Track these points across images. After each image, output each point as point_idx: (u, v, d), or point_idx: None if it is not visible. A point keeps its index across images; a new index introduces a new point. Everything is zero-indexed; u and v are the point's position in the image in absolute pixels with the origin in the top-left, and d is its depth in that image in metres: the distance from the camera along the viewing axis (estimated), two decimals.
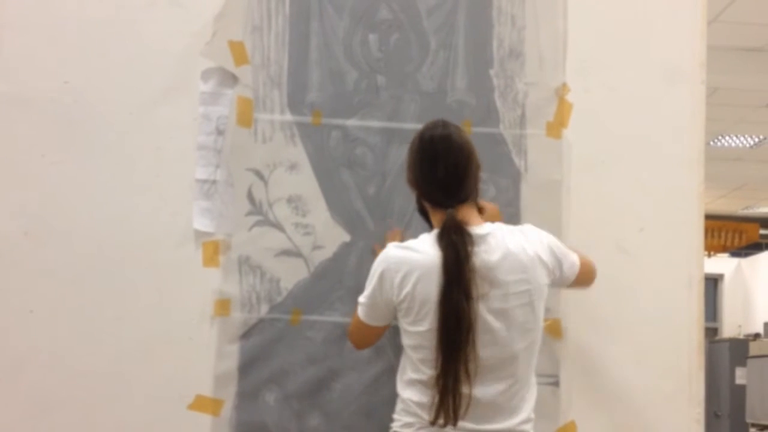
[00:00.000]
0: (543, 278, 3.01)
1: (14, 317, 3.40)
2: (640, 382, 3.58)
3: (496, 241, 2.96)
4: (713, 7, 7.63)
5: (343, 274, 3.48)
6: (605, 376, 3.49)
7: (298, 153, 3.51)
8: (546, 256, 3.02)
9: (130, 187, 3.47)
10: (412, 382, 2.97)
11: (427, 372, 2.91)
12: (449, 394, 2.86)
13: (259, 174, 3.49)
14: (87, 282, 3.42)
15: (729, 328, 19.48)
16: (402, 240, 3.14)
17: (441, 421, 2.88)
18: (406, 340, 3.00)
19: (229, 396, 3.42)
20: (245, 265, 3.46)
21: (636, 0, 3.72)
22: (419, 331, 2.92)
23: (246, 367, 3.43)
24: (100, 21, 3.51)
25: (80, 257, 3.43)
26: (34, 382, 3.39)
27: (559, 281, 3.11)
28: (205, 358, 3.42)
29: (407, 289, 2.92)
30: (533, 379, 3.03)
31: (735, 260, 20.42)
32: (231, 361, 3.43)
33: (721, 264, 19.86)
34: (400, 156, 3.50)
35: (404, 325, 2.98)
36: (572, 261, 3.13)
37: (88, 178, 3.45)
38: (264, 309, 3.46)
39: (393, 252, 3.00)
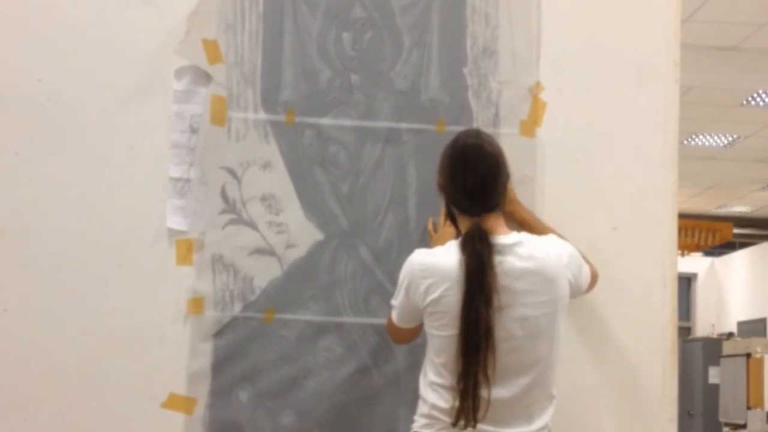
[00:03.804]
0: (566, 290, 3.04)
1: None
2: (613, 380, 3.59)
3: (524, 251, 2.99)
4: (687, 6, 7.64)
5: (316, 272, 3.48)
6: (578, 374, 3.49)
7: (271, 151, 3.51)
8: (568, 270, 3.05)
9: (103, 185, 3.46)
10: (433, 386, 3.00)
11: (449, 377, 2.94)
12: (469, 397, 2.90)
13: (232, 172, 3.48)
14: (60, 280, 3.42)
15: (702, 328, 19.55)
16: (435, 226, 3.28)
17: (462, 422, 2.91)
18: (430, 344, 3.04)
19: (202, 394, 3.42)
20: (219, 263, 3.46)
21: None
22: (443, 335, 2.95)
23: (219, 365, 3.43)
24: (73, 19, 3.50)
25: (54, 255, 3.42)
26: (6, 380, 3.38)
27: (575, 292, 3.13)
28: (178, 357, 3.42)
29: (433, 296, 2.95)
30: (554, 391, 3.05)
31: (708, 259, 20.48)
32: (204, 360, 3.43)
33: (695, 263, 19.91)
34: (373, 154, 3.51)
35: (429, 329, 3.02)
36: (586, 272, 3.18)
37: (62, 177, 3.45)
38: (237, 307, 3.45)
39: (419, 259, 3.04)
